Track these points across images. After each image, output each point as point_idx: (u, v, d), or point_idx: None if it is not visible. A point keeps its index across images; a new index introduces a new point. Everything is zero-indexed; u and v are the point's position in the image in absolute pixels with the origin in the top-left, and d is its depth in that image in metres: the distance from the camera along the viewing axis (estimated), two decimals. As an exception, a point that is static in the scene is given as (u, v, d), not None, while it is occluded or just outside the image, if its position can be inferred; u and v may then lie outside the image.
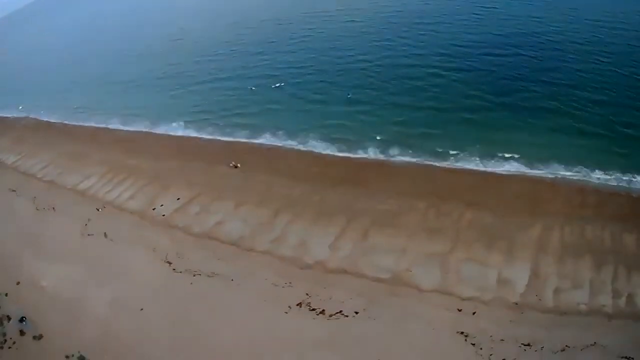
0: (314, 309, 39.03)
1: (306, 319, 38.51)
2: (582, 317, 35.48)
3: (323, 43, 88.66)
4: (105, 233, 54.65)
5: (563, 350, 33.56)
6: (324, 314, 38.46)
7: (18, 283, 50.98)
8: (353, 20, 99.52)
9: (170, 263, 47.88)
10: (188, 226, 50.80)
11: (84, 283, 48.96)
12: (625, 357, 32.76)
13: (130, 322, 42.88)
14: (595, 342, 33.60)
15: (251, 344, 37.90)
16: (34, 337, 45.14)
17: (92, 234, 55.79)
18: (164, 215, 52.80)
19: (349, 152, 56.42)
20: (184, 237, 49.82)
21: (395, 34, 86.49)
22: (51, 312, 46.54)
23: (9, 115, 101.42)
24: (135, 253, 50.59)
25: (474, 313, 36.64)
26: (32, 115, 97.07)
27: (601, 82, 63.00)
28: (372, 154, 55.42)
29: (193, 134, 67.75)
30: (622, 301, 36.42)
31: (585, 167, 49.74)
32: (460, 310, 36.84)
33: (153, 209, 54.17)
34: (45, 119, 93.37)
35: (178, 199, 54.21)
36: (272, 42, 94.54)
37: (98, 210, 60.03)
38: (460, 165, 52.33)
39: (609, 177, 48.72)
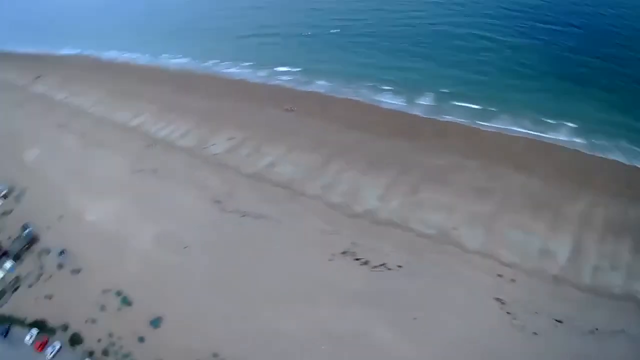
0: (358, 259, 39.50)
1: (349, 268, 38.88)
2: (615, 301, 34.89)
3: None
4: (154, 170, 54.32)
5: (592, 332, 33.12)
6: (367, 265, 38.93)
7: (60, 217, 51.84)
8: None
9: (219, 202, 47.76)
10: (239, 166, 51.02)
11: (129, 219, 49.14)
12: None
13: (173, 258, 43.26)
14: (623, 329, 33.06)
15: (291, 287, 38.37)
16: (72, 271, 45.91)
17: (141, 171, 55.46)
18: (215, 154, 52.93)
19: (403, 106, 56.43)
20: (234, 177, 50.06)
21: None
22: (92, 246, 47.22)
23: (62, 53, 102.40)
24: (185, 191, 50.46)
25: (513, 280, 36.52)
26: (85, 53, 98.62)
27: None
28: (425, 110, 55.34)
29: (245, 75, 67.95)
30: (657, 291, 34.82)
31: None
32: (500, 276, 36.88)
33: (204, 148, 54.20)
34: (96, 57, 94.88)
35: (230, 138, 54.17)
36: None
37: (148, 147, 59.43)
38: (511, 128, 51.32)
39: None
